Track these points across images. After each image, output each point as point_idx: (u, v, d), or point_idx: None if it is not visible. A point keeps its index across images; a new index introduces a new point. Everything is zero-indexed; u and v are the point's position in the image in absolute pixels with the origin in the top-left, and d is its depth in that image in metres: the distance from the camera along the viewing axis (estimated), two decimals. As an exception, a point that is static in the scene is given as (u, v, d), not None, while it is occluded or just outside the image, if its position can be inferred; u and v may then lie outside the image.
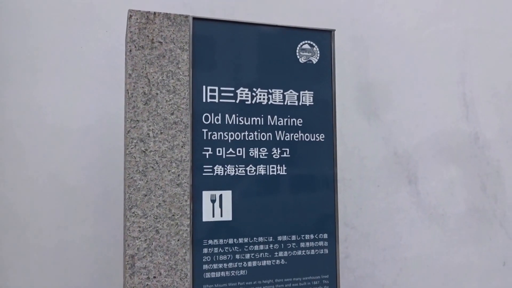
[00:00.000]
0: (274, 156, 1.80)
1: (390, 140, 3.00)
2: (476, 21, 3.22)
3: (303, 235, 1.81)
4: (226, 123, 1.75)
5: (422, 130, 3.06)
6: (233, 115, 1.76)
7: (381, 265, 2.94)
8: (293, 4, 2.86)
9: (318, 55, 1.87)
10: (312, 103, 1.86)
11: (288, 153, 1.82)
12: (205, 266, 1.68)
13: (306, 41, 1.86)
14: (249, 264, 1.74)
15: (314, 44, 1.86)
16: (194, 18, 1.70)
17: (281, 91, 1.82)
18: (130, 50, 1.60)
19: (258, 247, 1.76)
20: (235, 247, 1.73)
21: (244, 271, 1.73)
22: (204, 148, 1.71)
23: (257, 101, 1.79)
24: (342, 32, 2.88)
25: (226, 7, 2.72)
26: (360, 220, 2.92)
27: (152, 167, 1.61)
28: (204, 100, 1.72)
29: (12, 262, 2.37)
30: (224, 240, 1.72)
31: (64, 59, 2.50)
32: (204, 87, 1.72)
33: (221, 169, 1.72)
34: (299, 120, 1.84)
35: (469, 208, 3.12)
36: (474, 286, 3.09)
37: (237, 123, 1.76)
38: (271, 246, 1.78)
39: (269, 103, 1.81)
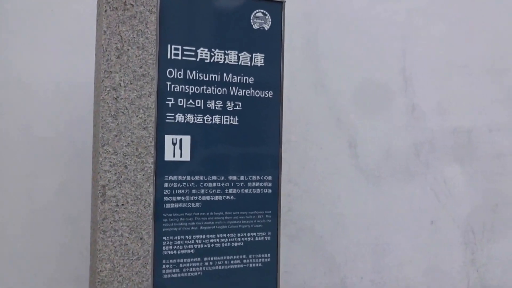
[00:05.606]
0: (228, 108, 1.99)
1: (334, 107, 3.17)
2: (418, 2, 3.39)
3: (250, 176, 2.03)
4: (188, 78, 1.93)
5: (363, 97, 3.23)
6: (194, 71, 1.94)
7: (320, 219, 3.14)
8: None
9: (270, 22, 2.06)
10: (263, 64, 2.05)
11: (240, 106, 2.01)
12: (166, 198, 1.89)
13: (259, 10, 2.04)
14: (203, 198, 1.95)
15: (266, 13, 2.04)
16: (162, -15, 1.89)
17: (236, 52, 2.00)
18: (106, 10, 1.79)
19: (211, 184, 1.97)
20: (192, 183, 1.93)
21: (199, 203, 1.95)
22: (168, 98, 1.90)
23: (215, 60, 1.97)
24: (295, 8, 3.08)
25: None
26: (303, 178, 3.11)
27: (123, 112, 1.81)
28: (168, 57, 1.90)
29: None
30: (183, 177, 1.92)
31: (36, 21, 2.62)
32: (169, 45, 1.90)
33: (181, 117, 1.91)
34: (251, 78, 2.03)
35: (403, 171, 3.29)
36: (403, 241, 3.30)
37: (197, 78, 1.94)
38: (222, 184, 1.99)
39: (225, 62, 1.99)
